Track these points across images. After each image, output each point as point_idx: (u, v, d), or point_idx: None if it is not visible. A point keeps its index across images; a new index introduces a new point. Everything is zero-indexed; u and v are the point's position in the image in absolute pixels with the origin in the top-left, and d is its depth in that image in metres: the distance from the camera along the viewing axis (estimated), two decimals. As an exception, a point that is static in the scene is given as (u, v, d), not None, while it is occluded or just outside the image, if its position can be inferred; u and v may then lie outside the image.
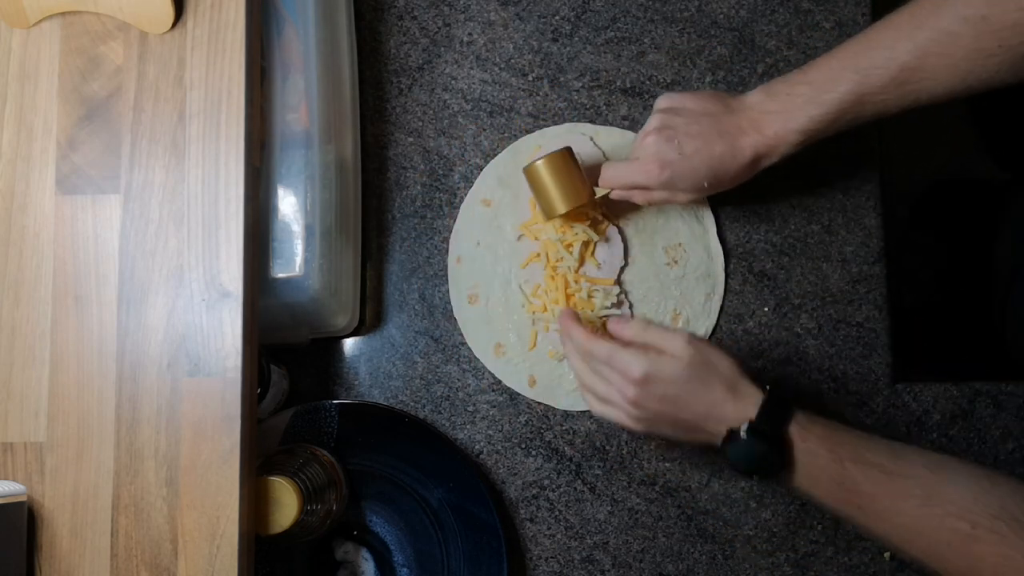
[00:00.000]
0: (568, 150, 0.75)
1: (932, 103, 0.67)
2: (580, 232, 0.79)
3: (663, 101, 0.74)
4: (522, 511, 0.81)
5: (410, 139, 0.85)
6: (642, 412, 0.66)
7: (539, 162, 0.74)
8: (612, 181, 0.74)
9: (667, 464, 0.80)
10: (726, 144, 0.70)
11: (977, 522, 0.59)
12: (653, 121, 0.72)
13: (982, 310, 1.00)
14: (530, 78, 0.85)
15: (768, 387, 0.65)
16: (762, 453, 0.63)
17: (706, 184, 0.71)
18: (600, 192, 0.75)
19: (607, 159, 0.82)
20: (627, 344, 0.67)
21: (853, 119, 0.68)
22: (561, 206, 0.74)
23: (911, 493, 0.61)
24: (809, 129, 0.68)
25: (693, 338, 0.66)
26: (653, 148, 0.71)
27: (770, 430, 0.63)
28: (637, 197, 0.74)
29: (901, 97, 0.66)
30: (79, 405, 0.64)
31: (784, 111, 0.69)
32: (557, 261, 0.80)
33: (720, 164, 0.70)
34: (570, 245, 0.79)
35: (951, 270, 1.14)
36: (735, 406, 0.65)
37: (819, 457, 0.63)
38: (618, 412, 0.68)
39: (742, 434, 0.64)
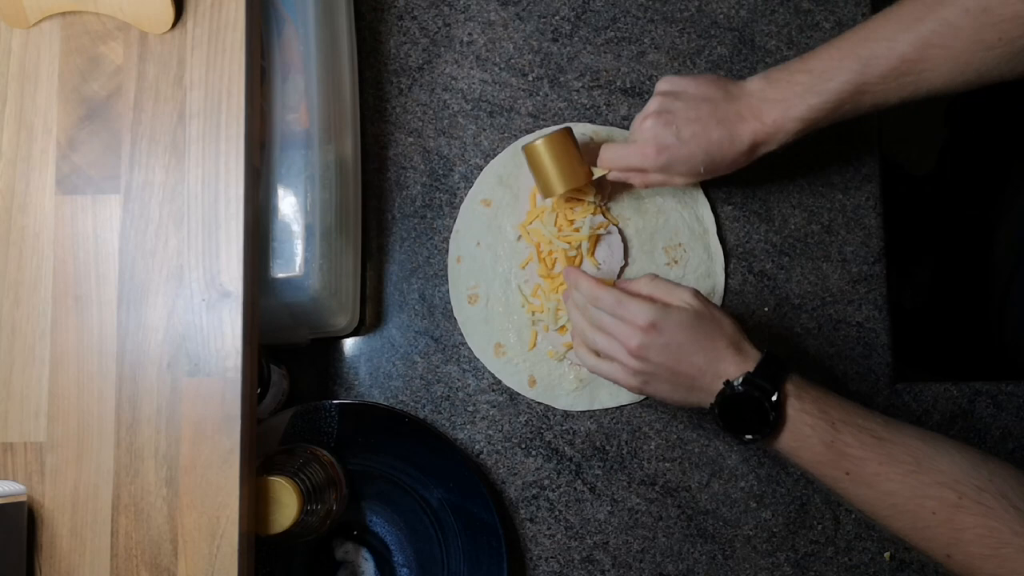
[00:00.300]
0: (568, 130, 0.75)
1: (931, 95, 0.67)
2: (583, 226, 0.79)
3: (664, 84, 0.74)
4: (522, 511, 0.81)
5: (410, 139, 0.85)
6: (642, 364, 0.67)
7: (539, 142, 0.74)
8: (610, 162, 0.74)
9: (667, 464, 0.80)
10: (724, 131, 0.70)
11: (964, 492, 0.59)
12: (652, 104, 0.73)
13: (981, 310, 1.00)
14: (530, 78, 0.85)
15: (766, 350, 0.66)
16: (756, 407, 0.64)
17: (703, 169, 0.72)
18: (598, 173, 0.75)
19: (606, 139, 0.82)
20: (634, 296, 0.69)
21: (852, 109, 0.68)
22: (559, 186, 0.74)
23: (901, 459, 0.62)
24: (808, 118, 0.69)
25: (699, 293, 0.68)
26: (651, 132, 0.71)
27: (768, 384, 0.64)
28: (634, 179, 0.75)
29: (900, 88, 0.67)
30: (79, 405, 0.64)
31: (784, 99, 0.69)
32: (551, 256, 0.80)
33: (718, 150, 0.71)
34: (570, 242, 0.79)
35: (951, 270, 1.14)
36: (735, 360, 0.65)
37: (811, 416, 0.64)
38: (616, 367, 0.69)
39: (738, 385, 0.64)
